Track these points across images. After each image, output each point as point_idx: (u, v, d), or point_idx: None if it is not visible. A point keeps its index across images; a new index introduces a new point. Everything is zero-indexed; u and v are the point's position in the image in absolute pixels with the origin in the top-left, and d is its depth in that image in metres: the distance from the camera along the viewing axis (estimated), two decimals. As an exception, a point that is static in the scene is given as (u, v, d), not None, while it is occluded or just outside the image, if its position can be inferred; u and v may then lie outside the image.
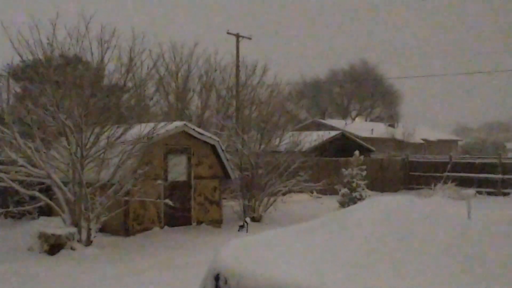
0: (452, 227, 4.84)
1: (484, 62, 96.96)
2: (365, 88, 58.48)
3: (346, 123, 42.65)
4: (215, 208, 14.44)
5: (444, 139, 49.70)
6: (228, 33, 26.97)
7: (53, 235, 10.12)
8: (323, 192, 21.06)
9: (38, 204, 11.87)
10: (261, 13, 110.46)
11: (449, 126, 78.31)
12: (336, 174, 20.88)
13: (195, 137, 13.77)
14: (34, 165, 10.95)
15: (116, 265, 9.46)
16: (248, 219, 13.54)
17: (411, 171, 25.51)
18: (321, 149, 21.21)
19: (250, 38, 27.43)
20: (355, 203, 13.98)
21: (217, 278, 4.63)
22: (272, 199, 15.77)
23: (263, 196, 15.48)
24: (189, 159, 13.89)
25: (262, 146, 15.64)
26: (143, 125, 11.86)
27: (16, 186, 10.94)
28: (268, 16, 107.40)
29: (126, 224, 12.45)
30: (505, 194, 21.92)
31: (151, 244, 11.52)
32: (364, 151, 25.50)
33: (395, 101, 61.32)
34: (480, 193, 20.74)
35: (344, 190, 18.41)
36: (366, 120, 55.26)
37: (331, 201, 19.33)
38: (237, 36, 26.92)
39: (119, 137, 11.30)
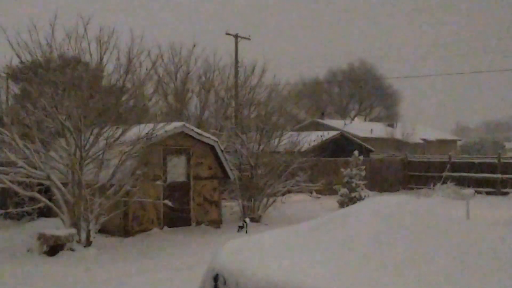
0: (451, 226, 4.85)
1: (484, 61, 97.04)
2: (364, 88, 58.49)
3: (345, 123, 42.59)
4: (214, 208, 14.44)
5: (443, 139, 49.68)
6: (227, 33, 27.00)
7: (52, 236, 10.11)
8: (322, 192, 21.07)
9: (38, 205, 11.87)
10: (260, 13, 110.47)
11: (449, 126, 78.50)
12: (335, 174, 20.91)
13: (194, 138, 13.78)
14: (33, 166, 10.95)
15: (115, 266, 9.46)
16: (247, 220, 13.53)
17: (410, 171, 25.51)
18: (320, 149, 21.20)
19: (249, 39, 27.46)
20: (354, 203, 13.98)
21: (216, 278, 4.64)
22: (271, 199, 15.76)
23: (262, 196, 15.47)
24: (188, 159, 13.89)
25: (261, 147, 15.62)
26: (142, 126, 11.85)
27: (15, 187, 10.94)
28: (267, 16, 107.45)
29: (125, 225, 12.46)
30: (504, 194, 21.94)
31: (151, 245, 11.52)
32: (363, 151, 25.50)
33: (394, 101, 61.36)
34: (479, 192, 20.76)
35: (343, 190, 18.43)
36: (365, 120, 55.26)
37: (330, 201, 19.36)
38: (236, 36, 26.95)
39: (118, 138, 11.30)
